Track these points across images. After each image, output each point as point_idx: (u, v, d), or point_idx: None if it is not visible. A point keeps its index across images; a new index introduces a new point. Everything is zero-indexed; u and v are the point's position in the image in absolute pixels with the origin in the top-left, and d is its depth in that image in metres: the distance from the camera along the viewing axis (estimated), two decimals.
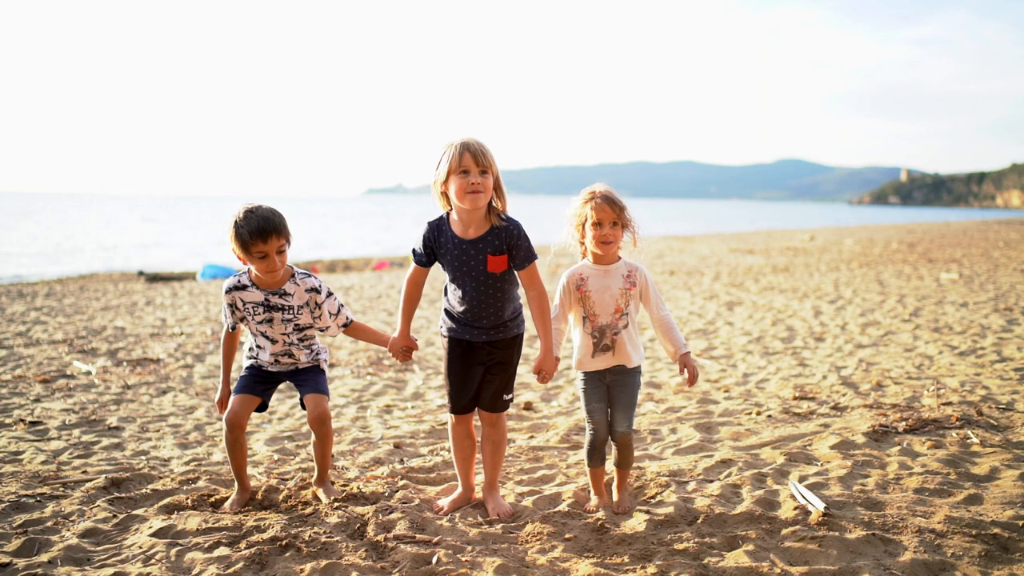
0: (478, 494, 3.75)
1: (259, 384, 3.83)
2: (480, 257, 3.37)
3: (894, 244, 23.50)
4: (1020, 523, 3.19)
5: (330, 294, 3.72)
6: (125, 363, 7.18)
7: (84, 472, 4.13)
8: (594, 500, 3.65)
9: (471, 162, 3.26)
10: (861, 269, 15.35)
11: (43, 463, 4.28)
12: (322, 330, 3.78)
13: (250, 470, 4.19)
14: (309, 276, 3.70)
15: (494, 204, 3.39)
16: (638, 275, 3.49)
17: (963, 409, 4.87)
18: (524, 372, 6.73)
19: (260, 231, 3.44)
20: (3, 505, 3.59)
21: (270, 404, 5.79)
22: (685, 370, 3.44)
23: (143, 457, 4.49)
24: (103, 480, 3.91)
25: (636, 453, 4.38)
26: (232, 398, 3.79)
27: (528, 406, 5.55)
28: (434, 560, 3.03)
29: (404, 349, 3.58)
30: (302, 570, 2.94)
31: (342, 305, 3.75)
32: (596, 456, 3.57)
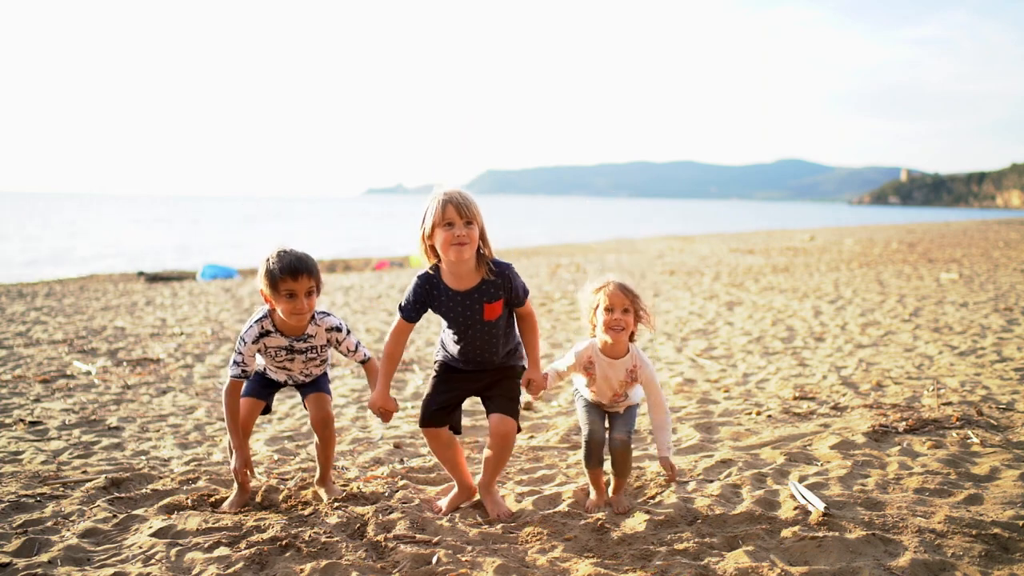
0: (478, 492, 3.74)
1: (264, 388, 3.82)
2: (476, 307, 3.41)
3: (894, 244, 23.51)
4: (1020, 523, 3.19)
5: (349, 332, 3.73)
6: (125, 363, 7.18)
7: (84, 472, 4.13)
8: (592, 497, 3.66)
9: (455, 214, 3.28)
10: (861, 269, 15.35)
11: (43, 463, 4.28)
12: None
13: None
14: (329, 315, 3.68)
15: (483, 252, 3.40)
16: (641, 372, 3.55)
17: (963, 409, 4.87)
18: None
19: (292, 269, 3.41)
20: (3, 505, 3.59)
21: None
22: (665, 469, 3.51)
23: (143, 457, 4.49)
24: (103, 480, 3.91)
25: (636, 453, 4.37)
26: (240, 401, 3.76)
27: (528, 406, 5.55)
28: (434, 560, 3.03)
29: (383, 412, 3.52)
30: (302, 570, 2.94)
31: (359, 342, 3.76)
32: (593, 458, 3.58)
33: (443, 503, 3.65)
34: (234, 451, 3.64)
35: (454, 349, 3.53)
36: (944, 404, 5.03)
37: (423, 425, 3.60)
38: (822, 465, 4.02)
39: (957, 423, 4.60)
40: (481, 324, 3.44)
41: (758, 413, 5.12)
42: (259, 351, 3.64)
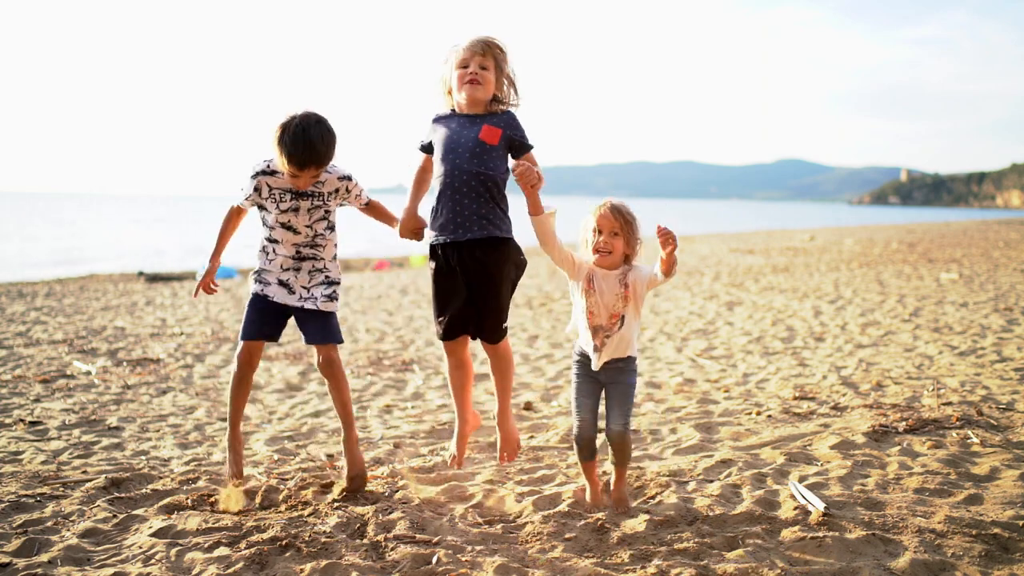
0: (485, 421, 3.83)
1: (267, 324, 3.71)
2: (475, 128, 3.42)
3: (894, 244, 23.51)
4: (1020, 523, 3.19)
5: (357, 183, 3.65)
6: (125, 363, 7.18)
7: (84, 472, 4.13)
8: (588, 493, 3.64)
9: (470, 54, 3.37)
10: (861, 269, 15.35)
11: (43, 463, 4.28)
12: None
13: (250, 470, 4.20)
14: (337, 166, 3.58)
15: (499, 97, 3.47)
16: (632, 273, 3.43)
17: (963, 409, 4.87)
18: (525, 372, 6.73)
19: (300, 160, 3.32)
20: (3, 505, 3.59)
21: (271, 405, 5.79)
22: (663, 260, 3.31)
23: (143, 457, 4.49)
24: (103, 480, 3.91)
25: (636, 453, 4.37)
26: (241, 344, 3.69)
27: (528, 406, 5.55)
28: (434, 560, 3.03)
29: (414, 230, 3.57)
30: (302, 570, 2.94)
31: (363, 191, 3.71)
32: (584, 451, 3.54)
33: (452, 448, 3.76)
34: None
35: (436, 190, 3.49)
36: (944, 404, 5.03)
37: (442, 337, 3.65)
38: (822, 465, 4.02)
39: (957, 423, 4.60)
40: (473, 143, 3.41)
41: (758, 413, 5.12)
42: (265, 197, 3.53)
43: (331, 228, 3.69)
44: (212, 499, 3.75)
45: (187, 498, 3.72)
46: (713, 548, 3.08)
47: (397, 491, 3.81)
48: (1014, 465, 3.91)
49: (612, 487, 3.62)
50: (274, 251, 3.66)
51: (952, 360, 6.54)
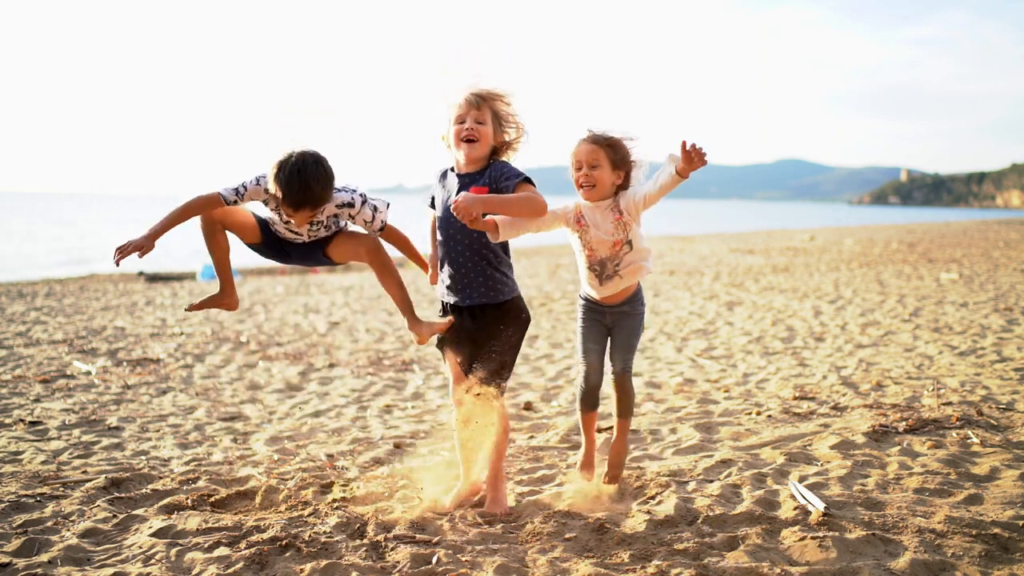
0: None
1: (270, 239, 3.50)
2: (464, 189, 3.28)
3: (894, 244, 23.51)
4: (1020, 523, 3.19)
5: (364, 202, 3.40)
6: (125, 363, 7.18)
7: (84, 472, 4.13)
8: (582, 452, 3.60)
9: (466, 109, 3.29)
10: (861, 269, 15.35)
11: (43, 463, 4.28)
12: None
13: (250, 470, 4.20)
14: (341, 191, 3.38)
15: (498, 153, 3.38)
16: (623, 199, 3.31)
17: (963, 409, 4.87)
18: (525, 372, 6.73)
19: (294, 202, 3.19)
20: (3, 505, 3.59)
21: (271, 404, 5.79)
22: (685, 157, 3.10)
23: (143, 457, 4.48)
24: (103, 480, 3.91)
25: (636, 453, 4.38)
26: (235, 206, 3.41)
27: (528, 406, 5.55)
28: (434, 560, 3.03)
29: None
30: (302, 570, 2.94)
31: (376, 209, 3.42)
32: (588, 400, 3.50)
33: (446, 500, 3.65)
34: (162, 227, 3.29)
35: (440, 255, 3.43)
36: (944, 404, 5.03)
37: (454, 379, 3.52)
38: (822, 465, 4.02)
39: (957, 423, 4.60)
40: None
41: (758, 413, 5.12)
42: (264, 202, 3.39)
43: (336, 228, 3.56)
44: (212, 499, 3.75)
45: (187, 498, 3.72)
46: (713, 548, 3.08)
47: (397, 491, 3.81)
48: (1014, 465, 3.91)
49: (612, 445, 3.59)
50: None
51: (952, 360, 6.54)
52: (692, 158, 3.08)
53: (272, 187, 3.23)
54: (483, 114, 3.29)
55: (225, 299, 3.60)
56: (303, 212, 3.26)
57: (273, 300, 12.23)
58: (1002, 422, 4.66)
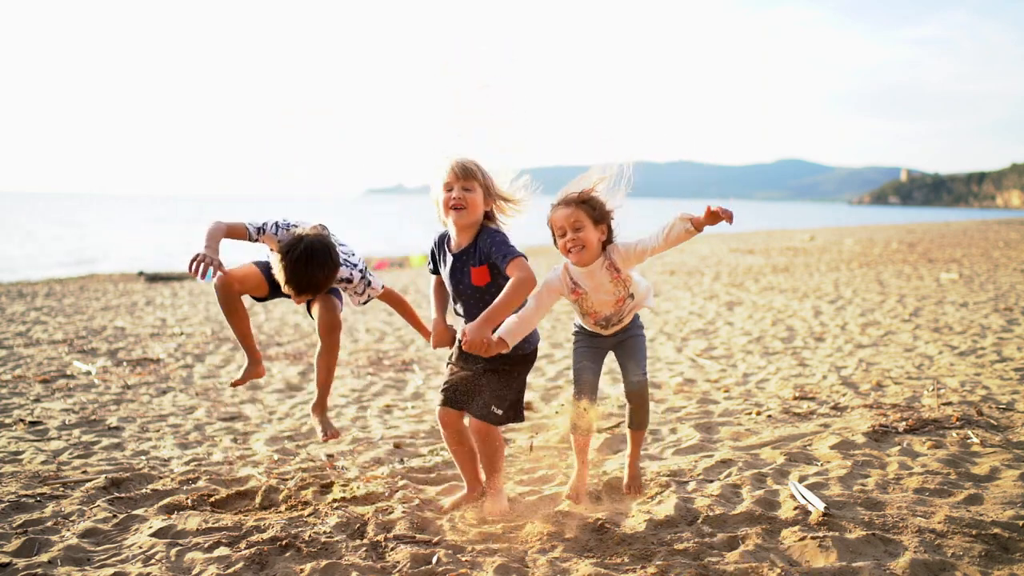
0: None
1: (273, 285, 3.61)
2: (465, 270, 3.37)
3: (894, 244, 23.50)
4: (1020, 523, 3.19)
5: (362, 278, 3.53)
6: (125, 363, 7.18)
7: (84, 472, 4.13)
8: (574, 476, 3.51)
9: (453, 177, 3.31)
10: (861, 269, 15.35)
11: (43, 463, 4.28)
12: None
13: (250, 470, 4.20)
14: (343, 265, 3.51)
15: (491, 218, 3.40)
16: (615, 252, 3.22)
17: (963, 409, 4.86)
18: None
19: (297, 287, 3.32)
20: (3, 505, 3.59)
21: (271, 404, 5.79)
22: (712, 213, 2.95)
23: (143, 457, 4.48)
24: (103, 480, 3.91)
25: None
26: (240, 264, 3.56)
27: (528, 406, 5.55)
28: (434, 560, 3.03)
29: (447, 343, 3.54)
30: (302, 570, 2.94)
31: (370, 284, 3.58)
32: (581, 423, 3.40)
33: (446, 502, 3.65)
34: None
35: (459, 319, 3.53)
36: (944, 404, 5.03)
37: (442, 402, 3.56)
38: (822, 465, 4.02)
39: (957, 423, 4.60)
40: (471, 290, 3.38)
41: (758, 413, 5.12)
42: (269, 248, 3.52)
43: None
44: (212, 499, 3.75)
45: (187, 498, 3.72)
46: (713, 548, 3.08)
47: (397, 491, 3.81)
48: (1014, 465, 3.91)
49: (627, 461, 3.51)
50: None
51: (952, 360, 6.54)
52: (718, 218, 2.98)
53: (278, 267, 3.33)
54: (470, 182, 3.32)
55: (257, 367, 3.72)
56: (305, 296, 3.39)
57: (273, 300, 12.23)
58: (1002, 422, 4.66)
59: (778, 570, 2.87)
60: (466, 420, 3.58)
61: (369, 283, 3.58)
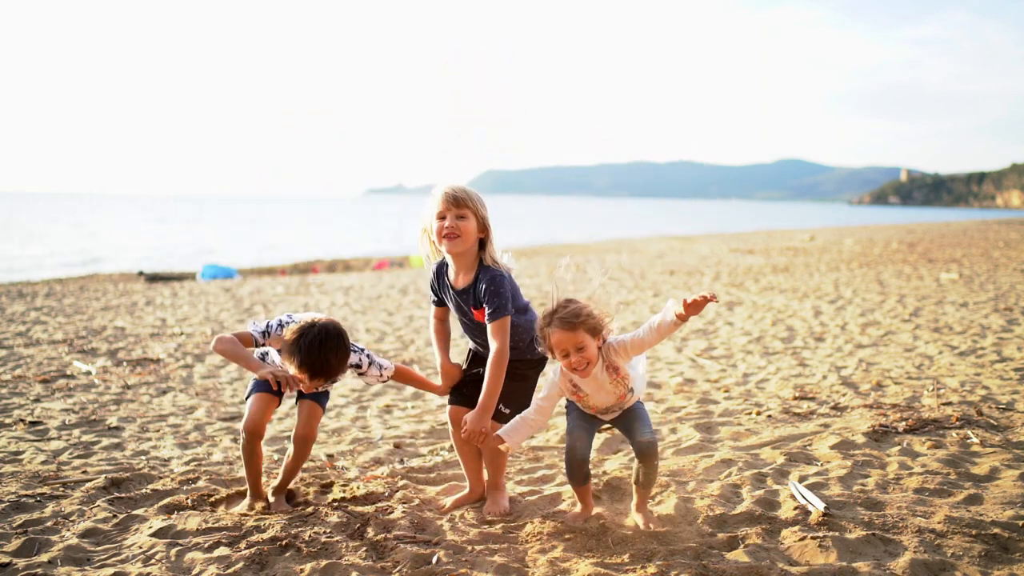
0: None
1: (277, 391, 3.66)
2: (467, 308, 3.45)
3: (894, 244, 23.50)
4: (1020, 523, 3.19)
5: (371, 362, 3.58)
6: (125, 363, 7.18)
7: (84, 472, 4.13)
8: (577, 509, 3.50)
9: (447, 207, 3.32)
10: (861, 269, 15.35)
11: (43, 463, 4.28)
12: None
13: None
14: (350, 351, 3.48)
15: (487, 250, 3.40)
16: (612, 352, 3.17)
17: (963, 409, 4.86)
18: None
19: (311, 373, 3.29)
20: (3, 505, 3.59)
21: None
22: (694, 302, 3.00)
23: (143, 457, 4.48)
24: (103, 480, 3.91)
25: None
26: (250, 399, 3.58)
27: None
28: (434, 560, 3.03)
29: (456, 383, 3.60)
30: (302, 570, 2.94)
31: (382, 366, 3.60)
32: (577, 475, 3.34)
33: (447, 501, 3.67)
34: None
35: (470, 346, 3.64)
36: (944, 404, 5.03)
37: (450, 400, 3.66)
38: (822, 465, 4.02)
39: (957, 423, 4.60)
40: (475, 325, 3.48)
41: (758, 413, 5.12)
42: (276, 349, 3.54)
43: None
44: (212, 499, 3.75)
45: (187, 498, 3.72)
46: (713, 548, 3.08)
47: (397, 491, 3.81)
48: (1014, 465, 3.91)
49: (634, 508, 3.40)
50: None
51: (952, 360, 6.54)
52: (699, 307, 3.01)
53: (290, 352, 3.31)
54: (463, 210, 3.33)
55: (259, 501, 3.66)
56: (317, 381, 3.37)
57: (273, 300, 12.23)
58: (1002, 422, 4.66)
59: (778, 570, 2.87)
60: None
61: (381, 367, 3.60)
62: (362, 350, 3.57)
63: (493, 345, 3.34)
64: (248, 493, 3.68)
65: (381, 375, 3.60)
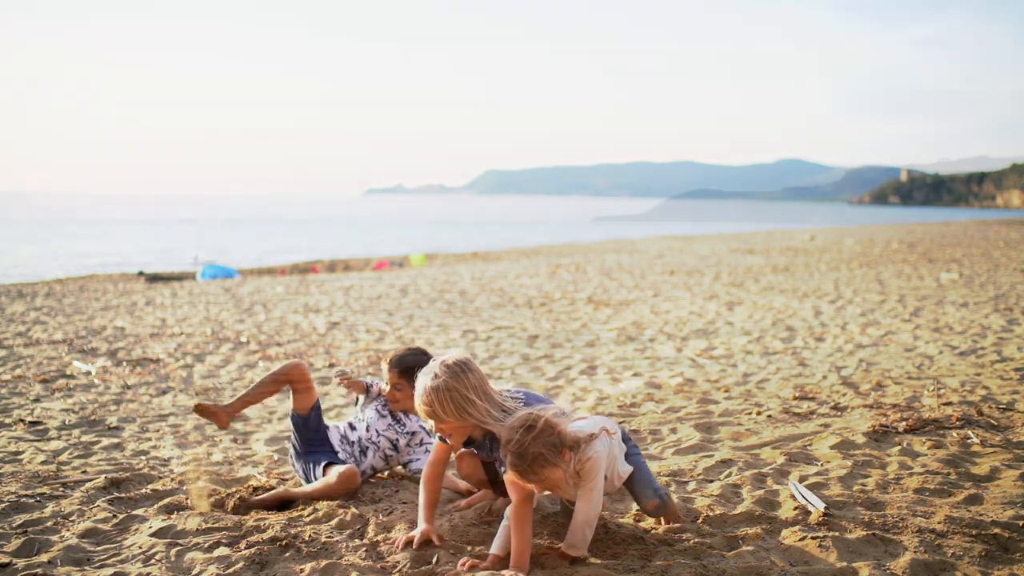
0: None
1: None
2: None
3: (894, 244, 23.50)
4: (1020, 523, 3.19)
5: (423, 444, 3.96)
6: (125, 363, 7.18)
7: (84, 472, 4.13)
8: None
9: (422, 414, 3.17)
10: (861, 269, 15.35)
11: (43, 463, 4.28)
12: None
13: (250, 470, 4.19)
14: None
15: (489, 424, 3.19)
16: (577, 463, 2.92)
17: (963, 409, 4.86)
18: (525, 372, 6.73)
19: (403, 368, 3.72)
20: (3, 505, 3.59)
21: (271, 404, 5.79)
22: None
23: (143, 457, 4.48)
24: (103, 480, 3.91)
25: None
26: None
27: None
28: (434, 560, 3.02)
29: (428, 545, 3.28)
30: (302, 570, 2.94)
31: (428, 451, 3.86)
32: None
33: (462, 500, 3.68)
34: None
35: None
36: (944, 404, 5.03)
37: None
38: (822, 465, 4.02)
39: (957, 423, 4.59)
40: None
41: (758, 413, 5.12)
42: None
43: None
44: (212, 499, 3.75)
45: (187, 498, 3.72)
46: (713, 548, 3.08)
47: (397, 491, 3.81)
48: (1014, 465, 3.91)
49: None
50: None
51: (952, 360, 6.54)
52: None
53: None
54: (442, 424, 3.14)
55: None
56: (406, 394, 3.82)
57: (273, 300, 12.23)
58: (1002, 422, 4.66)
59: (778, 570, 2.87)
60: None
61: (427, 451, 3.88)
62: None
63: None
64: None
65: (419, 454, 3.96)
